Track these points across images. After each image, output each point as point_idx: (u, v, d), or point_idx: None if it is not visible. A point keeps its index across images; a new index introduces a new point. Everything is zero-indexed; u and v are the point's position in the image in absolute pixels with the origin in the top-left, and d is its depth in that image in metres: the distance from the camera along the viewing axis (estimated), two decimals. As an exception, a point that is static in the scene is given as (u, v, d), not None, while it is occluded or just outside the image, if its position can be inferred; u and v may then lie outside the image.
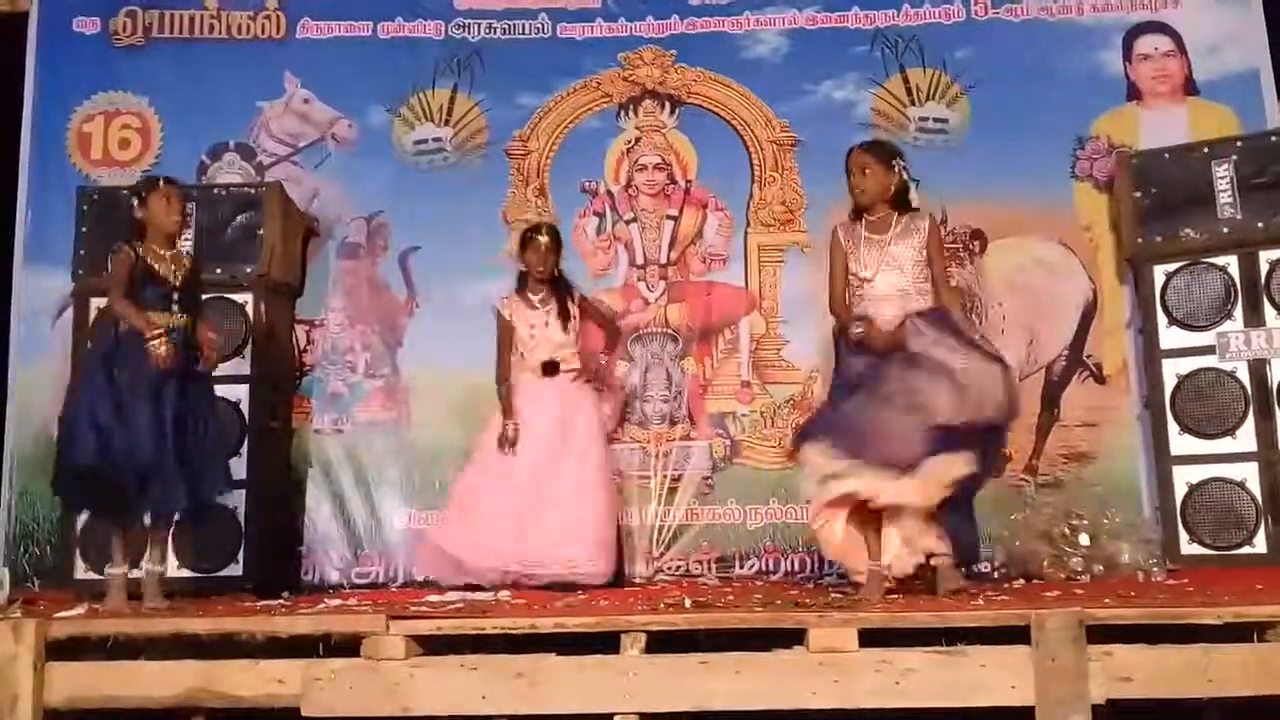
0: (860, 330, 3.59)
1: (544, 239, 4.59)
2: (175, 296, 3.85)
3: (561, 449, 4.43)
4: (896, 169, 3.71)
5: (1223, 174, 4.59)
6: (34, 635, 3.03)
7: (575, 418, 4.50)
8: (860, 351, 3.60)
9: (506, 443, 4.43)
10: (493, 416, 4.55)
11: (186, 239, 4.54)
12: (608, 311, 5.01)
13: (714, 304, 5.28)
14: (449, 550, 4.38)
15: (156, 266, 3.86)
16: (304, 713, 2.95)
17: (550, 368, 4.53)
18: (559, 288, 4.62)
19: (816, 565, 4.78)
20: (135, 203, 3.94)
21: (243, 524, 4.61)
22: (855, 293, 3.70)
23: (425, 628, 3.07)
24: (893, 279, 3.63)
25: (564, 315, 4.56)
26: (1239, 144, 4.66)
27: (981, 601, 3.28)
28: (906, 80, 5.39)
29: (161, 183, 4.01)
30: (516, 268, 4.69)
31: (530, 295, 4.60)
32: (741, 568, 4.96)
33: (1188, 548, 4.49)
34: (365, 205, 5.39)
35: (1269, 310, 4.48)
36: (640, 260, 5.35)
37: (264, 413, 4.80)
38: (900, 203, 3.72)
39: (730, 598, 3.74)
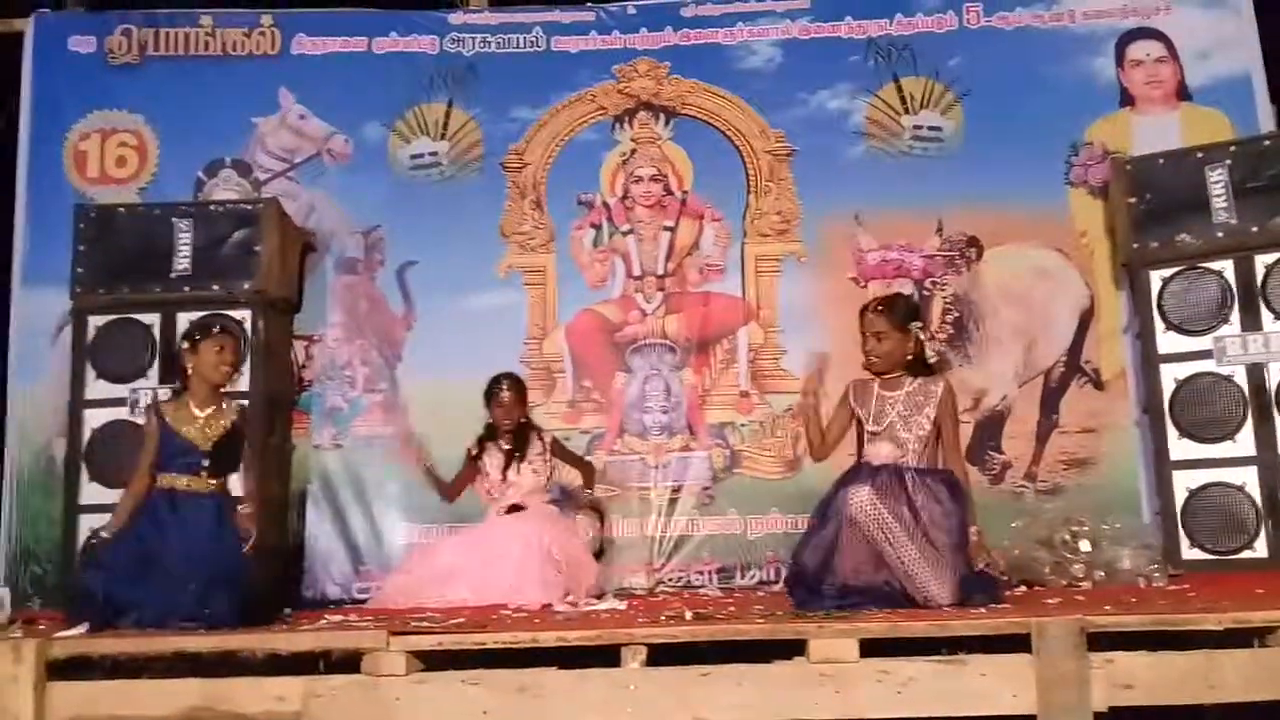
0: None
1: (507, 393, 4.55)
2: (205, 464, 3.63)
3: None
4: (913, 334, 3.59)
5: (1217, 178, 4.60)
6: (34, 655, 3.02)
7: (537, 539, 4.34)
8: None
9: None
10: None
11: (184, 259, 4.49)
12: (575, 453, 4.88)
13: (711, 314, 5.28)
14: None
15: (186, 430, 3.63)
16: (305, 730, 2.94)
17: (515, 509, 4.50)
18: (526, 434, 4.58)
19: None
20: (185, 346, 3.70)
21: (243, 540, 4.60)
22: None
23: (426, 643, 3.06)
24: (896, 434, 3.56)
25: (534, 459, 4.56)
26: (1232, 148, 4.67)
27: (982, 609, 3.27)
28: (900, 89, 5.40)
29: (218, 329, 3.77)
30: (483, 418, 4.61)
31: (501, 445, 4.57)
32: (743, 578, 4.95)
33: (1188, 553, 4.49)
34: (362, 220, 5.39)
35: (1265, 314, 4.48)
36: (637, 271, 5.35)
37: (263, 429, 4.80)
38: (916, 367, 3.61)
39: (731, 608, 3.74)
